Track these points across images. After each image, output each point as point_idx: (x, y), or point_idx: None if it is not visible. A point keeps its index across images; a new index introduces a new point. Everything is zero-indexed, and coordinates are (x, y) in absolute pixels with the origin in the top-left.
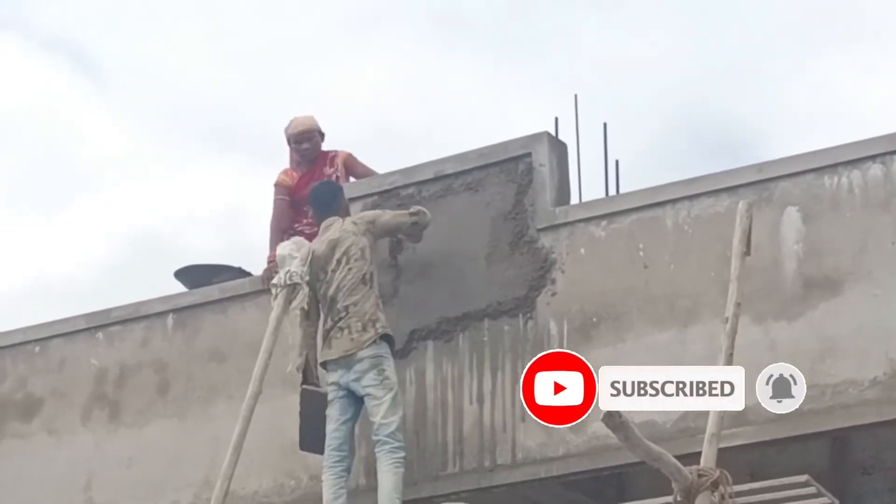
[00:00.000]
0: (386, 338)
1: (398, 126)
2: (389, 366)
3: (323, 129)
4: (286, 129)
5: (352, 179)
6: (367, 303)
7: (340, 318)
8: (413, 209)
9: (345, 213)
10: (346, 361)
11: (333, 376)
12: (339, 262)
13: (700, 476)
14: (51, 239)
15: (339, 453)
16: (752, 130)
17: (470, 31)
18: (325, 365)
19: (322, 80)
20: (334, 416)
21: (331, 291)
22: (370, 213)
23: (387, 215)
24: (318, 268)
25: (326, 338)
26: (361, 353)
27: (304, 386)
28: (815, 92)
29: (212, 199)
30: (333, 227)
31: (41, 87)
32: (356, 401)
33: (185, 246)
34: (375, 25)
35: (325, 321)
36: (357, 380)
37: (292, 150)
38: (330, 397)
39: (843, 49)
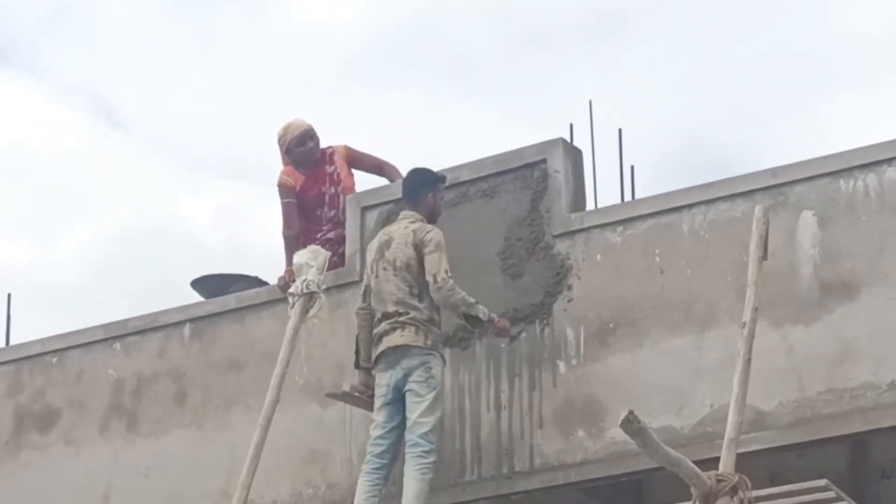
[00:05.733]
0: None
1: (413, 163)
2: (437, 367)
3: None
4: (283, 136)
5: (354, 172)
6: (418, 313)
7: (391, 319)
8: (483, 312)
9: (426, 209)
10: (395, 356)
11: (383, 378)
12: (389, 262)
13: (719, 481)
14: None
15: (380, 460)
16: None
17: (475, 78)
18: (376, 361)
19: (333, 121)
20: (380, 422)
21: (379, 288)
22: (431, 239)
23: (433, 260)
24: (371, 259)
25: (378, 340)
26: (411, 350)
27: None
28: (825, 132)
29: (218, 209)
30: (399, 224)
31: (59, 126)
32: (404, 408)
33: (187, 245)
34: (387, 69)
35: (375, 322)
36: (404, 376)
37: (294, 155)
38: (378, 403)
39: (848, 91)
